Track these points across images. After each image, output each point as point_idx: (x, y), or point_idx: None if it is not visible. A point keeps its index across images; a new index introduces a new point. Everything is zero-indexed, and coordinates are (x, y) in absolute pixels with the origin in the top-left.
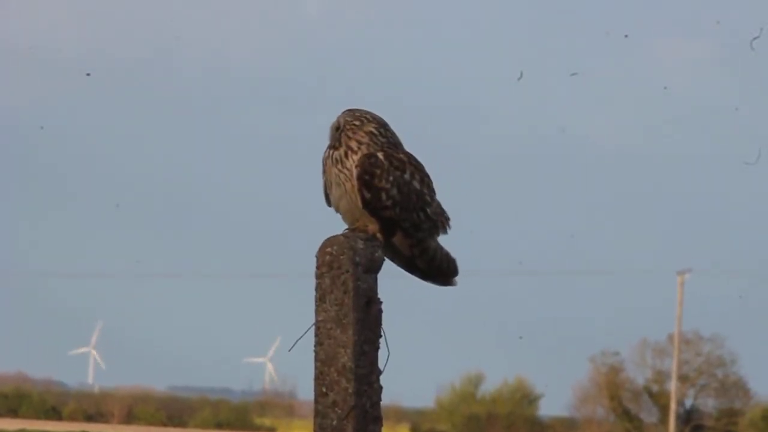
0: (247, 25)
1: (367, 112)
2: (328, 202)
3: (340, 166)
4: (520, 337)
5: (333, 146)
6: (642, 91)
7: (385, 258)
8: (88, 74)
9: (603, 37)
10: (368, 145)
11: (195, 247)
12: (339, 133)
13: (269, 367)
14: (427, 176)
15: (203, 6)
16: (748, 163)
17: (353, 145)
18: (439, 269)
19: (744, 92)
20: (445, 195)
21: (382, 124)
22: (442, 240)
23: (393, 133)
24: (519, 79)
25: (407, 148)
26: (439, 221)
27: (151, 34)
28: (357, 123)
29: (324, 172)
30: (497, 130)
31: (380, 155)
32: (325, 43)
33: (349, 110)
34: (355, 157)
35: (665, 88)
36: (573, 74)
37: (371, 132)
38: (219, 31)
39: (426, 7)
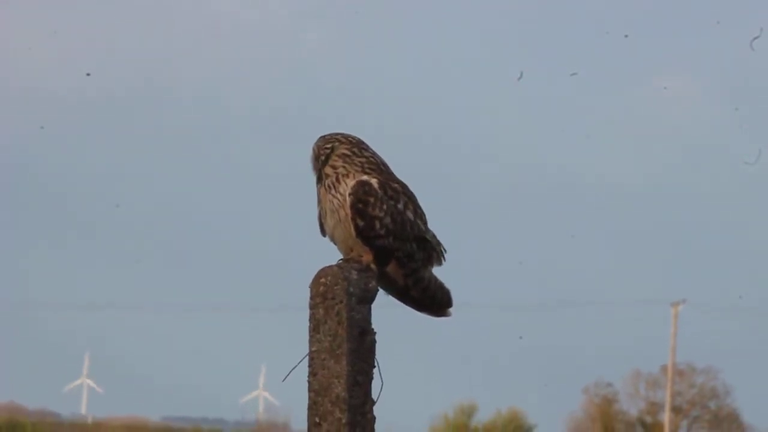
0: (244, 58)
1: (339, 135)
2: (323, 232)
3: (333, 191)
4: (520, 337)
5: (318, 177)
6: (639, 126)
7: (379, 288)
8: (87, 74)
9: (604, 77)
10: (344, 167)
11: (189, 278)
12: (318, 161)
13: (262, 397)
14: (420, 208)
15: (201, 40)
16: (747, 162)
17: (329, 171)
18: (433, 299)
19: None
20: (438, 226)
21: (355, 144)
22: (437, 271)
23: (373, 153)
24: (519, 78)
25: (401, 173)
26: (434, 252)
27: (148, 67)
28: (328, 147)
29: (318, 201)
30: (490, 163)
31: (374, 183)
32: (323, 75)
33: (321, 137)
34: (348, 182)
35: (665, 88)
36: (573, 74)
37: (344, 154)
38: (215, 65)
39: (423, 41)
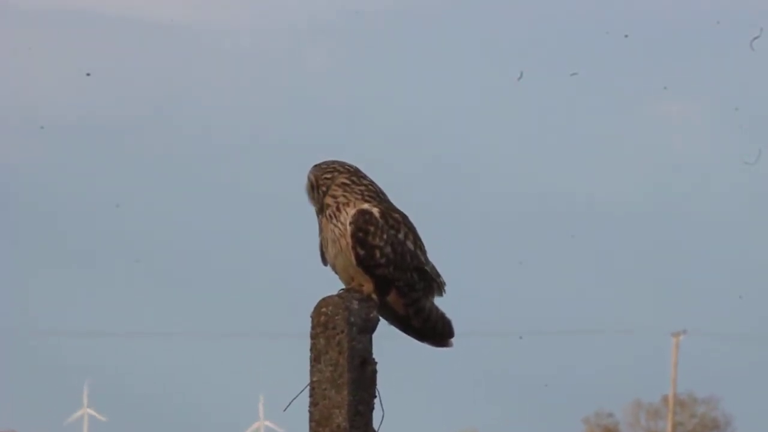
0: (245, 83)
1: (335, 163)
2: (324, 262)
3: (335, 221)
4: (520, 337)
5: (319, 209)
6: (641, 148)
7: (380, 318)
8: (87, 74)
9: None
10: (344, 196)
11: (187, 307)
12: (316, 192)
13: (263, 427)
14: (420, 239)
15: (203, 63)
16: (747, 162)
17: (330, 201)
18: (434, 330)
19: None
20: (438, 254)
21: (353, 173)
22: (438, 302)
23: (371, 181)
24: (519, 78)
25: (399, 201)
26: (435, 284)
27: (149, 92)
28: (328, 177)
29: (320, 231)
30: (490, 189)
31: (376, 212)
32: (326, 99)
33: (316, 165)
34: (349, 210)
35: (665, 88)
36: (573, 74)
37: (343, 183)
38: (216, 88)
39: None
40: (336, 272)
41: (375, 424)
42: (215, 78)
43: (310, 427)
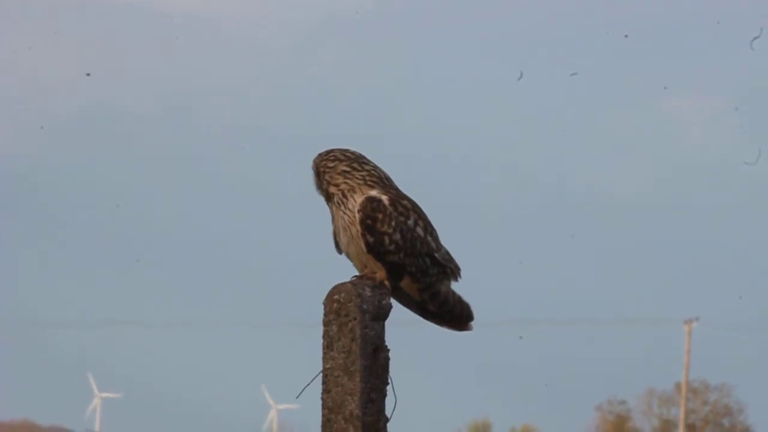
0: (259, 77)
1: (336, 151)
2: (339, 250)
3: (343, 208)
4: (520, 337)
5: (326, 197)
6: (651, 139)
7: (397, 303)
8: (87, 74)
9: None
10: (346, 183)
11: (202, 296)
12: (320, 180)
13: (274, 414)
14: (431, 225)
15: (217, 61)
16: (747, 162)
17: (333, 189)
18: (451, 313)
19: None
20: (452, 242)
21: (354, 159)
22: (456, 287)
23: (374, 166)
24: (519, 78)
25: (405, 187)
26: (449, 268)
27: (163, 88)
28: (331, 165)
29: (332, 219)
30: (503, 179)
31: (384, 199)
32: (336, 91)
33: (320, 154)
34: (357, 197)
35: (665, 88)
36: (573, 74)
37: (344, 171)
38: (227, 82)
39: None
40: (350, 259)
41: (387, 412)
42: (227, 71)
43: (323, 414)
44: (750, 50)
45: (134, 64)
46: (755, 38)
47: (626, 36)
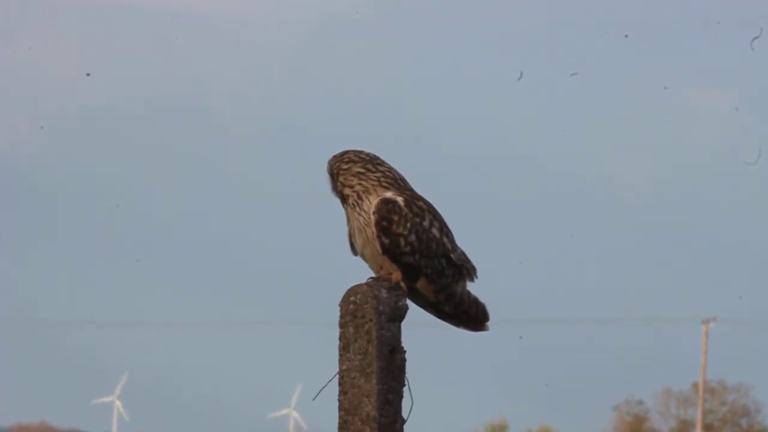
0: (259, 77)
1: (351, 152)
2: (354, 252)
3: (358, 210)
4: (520, 337)
5: (341, 198)
6: (668, 136)
7: (414, 305)
8: (87, 74)
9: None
10: (361, 185)
11: (218, 296)
12: (335, 182)
13: (293, 416)
14: (446, 226)
15: (218, 61)
16: (748, 162)
17: (348, 191)
18: (467, 314)
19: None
20: (467, 241)
21: (368, 161)
22: (472, 288)
23: (389, 167)
24: (519, 78)
25: (422, 189)
26: (465, 269)
27: (163, 88)
28: (345, 167)
29: (348, 220)
30: (520, 175)
31: (400, 201)
32: (346, 89)
33: (334, 156)
34: (372, 199)
35: (665, 88)
36: (573, 74)
37: (359, 173)
38: (230, 82)
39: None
40: (365, 261)
41: (404, 413)
42: (227, 71)
43: (339, 416)
44: (750, 50)
45: (134, 64)
46: (755, 38)
47: (626, 36)
